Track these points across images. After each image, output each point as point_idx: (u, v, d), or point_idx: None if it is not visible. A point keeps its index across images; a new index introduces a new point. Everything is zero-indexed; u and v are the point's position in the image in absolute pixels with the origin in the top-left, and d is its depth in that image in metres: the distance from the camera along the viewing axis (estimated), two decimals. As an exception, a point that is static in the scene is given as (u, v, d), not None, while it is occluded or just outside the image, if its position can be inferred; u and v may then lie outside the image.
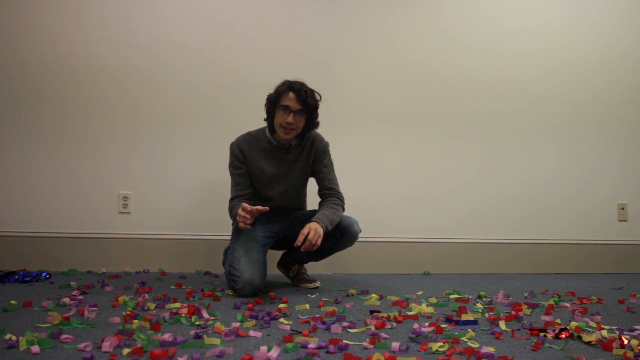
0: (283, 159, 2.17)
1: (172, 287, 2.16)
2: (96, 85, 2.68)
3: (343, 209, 2.14)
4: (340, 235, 2.13)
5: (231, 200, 2.13)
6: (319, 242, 1.88)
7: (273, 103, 2.10)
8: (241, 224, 1.93)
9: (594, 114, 3.16)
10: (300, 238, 1.86)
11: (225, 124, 2.74)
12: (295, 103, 2.04)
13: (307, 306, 1.77)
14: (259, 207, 1.94)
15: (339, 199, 2.15)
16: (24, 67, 2.64)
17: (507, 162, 3.05)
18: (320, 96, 2.12)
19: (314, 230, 1.89)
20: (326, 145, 2.22)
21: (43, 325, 1.44)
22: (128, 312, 1.58)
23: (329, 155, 2.22)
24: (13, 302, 1.75)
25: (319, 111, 2.15)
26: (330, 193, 2.16)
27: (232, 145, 2.17)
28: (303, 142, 2.18)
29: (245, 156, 2.14)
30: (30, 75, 2.64)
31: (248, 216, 1.93)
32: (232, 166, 2.16)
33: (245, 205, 1.93)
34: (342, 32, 2.91)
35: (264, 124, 2.22)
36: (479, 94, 3.03)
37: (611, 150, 3.17)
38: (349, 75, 2.90)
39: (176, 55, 2.74)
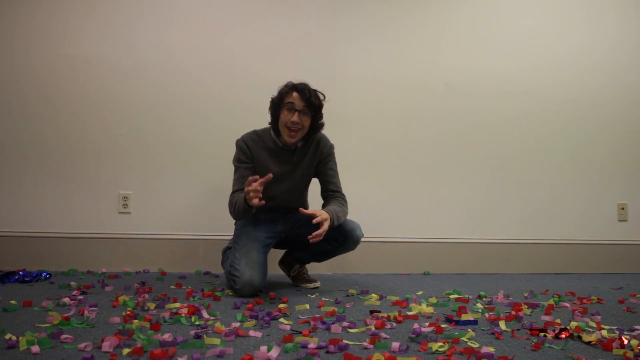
0: (288, 160, 2.17)
1: (172, 287, 2.16)
2: (96, 85, 2.68)
3: (347, 211, 2.14)
4: (343, 239, 2.13)
5: (232, 193, 2.10)
6: (322, 236, 1.87)
7: (277, 104, 2.10)
8: (255, 201, 1.84)
9: (594, 115, 3.16)
10: (317, 220, 1.85)
11: (225, 124, 2.73)
12: (299, 101, 2.04)
13: (307, 306, 1.77)
14: (260, 178, 1.85)
15: (344, 200, 2.16)
16: (25, 69, 2.64)
17: (507, 162, 3.05)
18: (324, 96, 2.12)
19: (328, 224, 1.88)
20: (331, 147, 2.22)
21: (43, 325, 1.44)
22: (128, 312, 1.58)
23: (334, 157, 2.23)
24: (13, 302, 1.75)
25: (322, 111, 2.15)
26: (334, 195, 2.17)
27: (238, 141, 2.16)
28: (308, 143, 2.18)
29: (252, 153, 2.14)
30: (30, 75, 2.64)
31: (259, 188, 1.84)
32: (238, 160, 2.14)
33: (249, 179, 1.85)
34: (343, 32, 2.91)
35: (265, 124, 2.22)
36: (480, 95, 3.03)
37: (611, 150, 3.17)
38: (350, 75, 2.90)
39: (176, 56, 2.74)
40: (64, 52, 2.67)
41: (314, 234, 1.84)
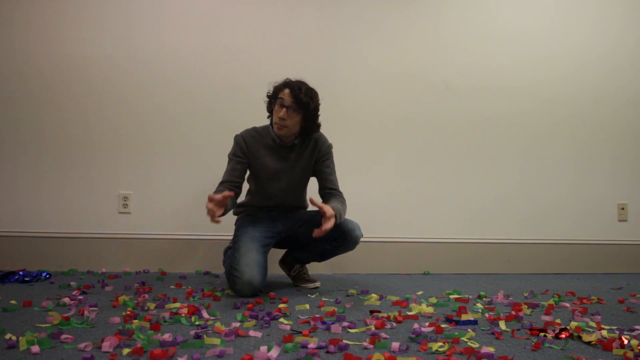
0: (286, 157, 2.17)
1: (172, 287, 2.16)
2: (96, 86, 2.68)
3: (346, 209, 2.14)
4: (342, 240, 2.13)
5: (220, 183, 2.12)
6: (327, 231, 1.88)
7: (271, 99, 2.13)
8: (210, 219, 1.82)
9: (594, 114, 3.16)
10: (327, 220, 1.85)
11: (224, 124, 2.73)
12: (288, 97, 2.04)
13: (307, 306, 1.77)
14: (225, 192, 1.85)
15: (343, 198, 2.16)
16: (25, 68, 2.64)
17: (508, 162, 3.05)
18: (317, 93, 2.10)
19: (331, 222, 1.87)
20: (329, 146, 2.22)
21: (43, 325, 1.44)
22: (128, 312, 1.58)
23: (332, 156, 2.23)
24: (13, 302, 1.75)
25: (320, 112, 2.15)
26: (332, 192, 2.17)
27: (237, 136, 2.17)
28: (306, 142, 2.18)
29: (249, 149, 2.15)
30: (29, 76, 2.64)
31: (214, 209, 1.82)
32: (233, 154, 2.16)
33: (211, 195, 1.83)
34: (342, 32, 2.90)
35: (265, 123, 2.23)
36: (479, 95, 3.03)
37: (611, 150, 3.17)
38: (349, 75, 2.90)
39: (176, 58, 2.74)
40: (63, 52, 2.67)
41: (319, 230, 1.84)
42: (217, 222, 1.83)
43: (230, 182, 2.12)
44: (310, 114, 2.09)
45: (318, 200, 1.96)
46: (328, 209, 1.89)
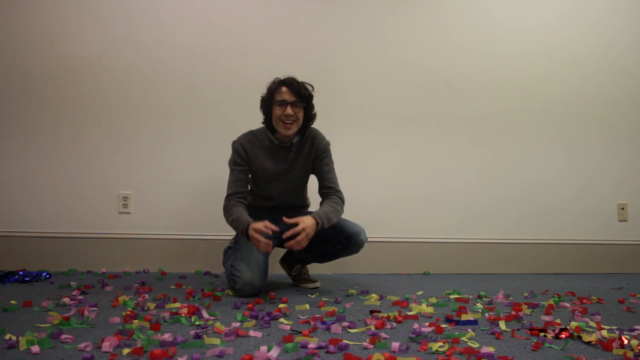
0: (284, 158, 2.17)
1: (172, 287, 2.16)
2: (96, 86, 2.68)
3: (343, 209, 2.14)
4: (346, 243, 2.13)
5: (228, 196, 2.12)
6: (304, 244, 1.89)
7: (267, 102, 2.12)
8: (263, 249, 1.91)
9: (594, 114, 3.16)
10: (289, 233, 1.88)
11: (224, 124, 2.74)
12: (290, 95, 2.05)
13: (307, 306, 1.77)
14: (267, 223, 1.91)
15: (339, 198, 2.15)
16: (23, 67, 2.64)
17: (507, 162, 3.05)
18: (312, 87, 2.12)
19: (304, 234, 1.88)
20: (327, 144, 2.22)
21: (43, 325, 1.44)
22: (128, 312, 1.58)
23: (330, 154, 2.23)
24: (13, 302, 1.75)
25: (317, 108, 2.16)
26: (330, 192, 2.16)
27: (234, 143, 2.17)
28: (304, 140, 2.18)
29: (248, 154, 2.15)
30: (30, 76, 2.64)
31: (266, 240, 1.89)
32: (233, 162, 2.16)
33: (257, 227, 1.90)
34: (342, 32, 2.90)
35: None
36: (479, 94, 3.03)
37: (611, 150, 3.17)
38: (349, 75, 2.90)
39: (175, 56, 2.74)
40: (64, 51, 2.66)
41: (290, 242, 1.87)
42: (270, 251, 1.95)
43: (238, 194, 2.12)
44: (310, 106, 2.13)
45: (316, 204, 1.97)
46: (302, 220, 1.90)
